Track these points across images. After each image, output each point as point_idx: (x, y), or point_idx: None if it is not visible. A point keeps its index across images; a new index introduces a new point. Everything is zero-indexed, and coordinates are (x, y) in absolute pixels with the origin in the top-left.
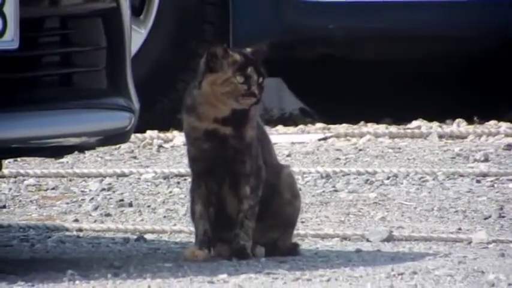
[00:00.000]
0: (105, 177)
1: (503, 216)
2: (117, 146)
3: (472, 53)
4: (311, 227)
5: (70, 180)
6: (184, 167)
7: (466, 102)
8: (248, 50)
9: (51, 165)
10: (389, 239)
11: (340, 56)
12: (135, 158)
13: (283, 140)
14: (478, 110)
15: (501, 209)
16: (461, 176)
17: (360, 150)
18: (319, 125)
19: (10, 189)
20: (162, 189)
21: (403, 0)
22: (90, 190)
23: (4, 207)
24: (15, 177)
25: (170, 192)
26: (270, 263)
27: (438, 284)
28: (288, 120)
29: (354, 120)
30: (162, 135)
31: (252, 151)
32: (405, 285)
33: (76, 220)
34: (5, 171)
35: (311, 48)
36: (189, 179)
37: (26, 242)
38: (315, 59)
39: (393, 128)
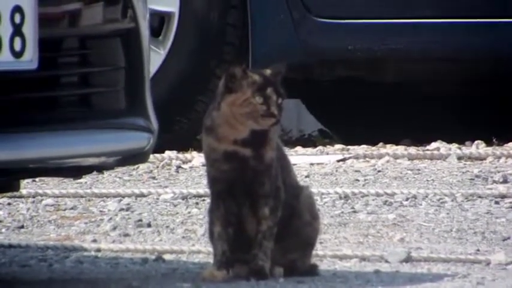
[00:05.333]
0: (123, 197)
1: None
2: (136, 166)
3: (491, 74)
4: (330, 248)
5: (88, 200)
6: (203, 188)
7: (485, 124)
8: (267, 70)
9: (69, 185)
10: (408, 259)
11: (359, 77)
12: (153, 178)
13: (302, 161)
14: (497, 131)
15: None
16: (480, 197)
17: (379, 171)
18: (338, 146)
19: (28, 209)
20: (181, 210)
21: (422, 21)
22: (109, 210)
23: (22, 227)
24: (33, 197)
25: (189, 212)
26: (289, 283)
27: None
28: (307, 141)
29: (372, 142)
30: (181, 155)
31: (272, 172)
32: None
33: (94, 240)
34: (23, 191)
35: (330, 70)
36: (208, 200)
37: (44, 262)
38: (334, 80)
39: (412, 150)
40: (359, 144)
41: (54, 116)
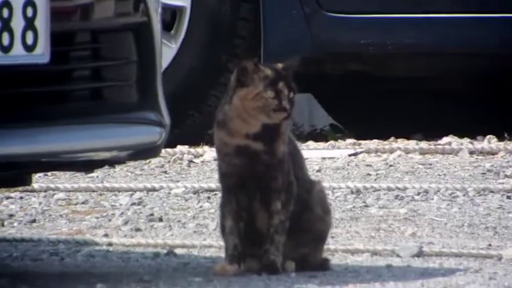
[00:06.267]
0: (135, 191)
1: None
2: (148, 160)
3: (503, 69)
4: (341, 242)
5: (100, 195)
6: (214, 182)
7: (497, 118)
8: (279, 65)
9: (81, 180)
10: (420, 254)
11: (371, 71)
12: (165, 172)
13: (314, 155)
14: (509, 126)
15: None
16: (492, 192)
17: (391, 166)
18: (350, 140)
19: (40, 203)
20: (192, 204)
21: (434, 16)
22: (120, 204)
23: (34, 221)
24: (45, 191)
25: (200, 207)
26: (300, 278)
27: None
28: (319, 135)
29: (384, 136)
30: (192, 150)
31: (284, 166)
32: None
33: (106, 234)
34: (35, 185)
35: (342, 64)
36: (219, 194)
37: (56, 256)
38: (346, 74)
39: (424, 144)
40: (370, 138)
41: (65, 110)
